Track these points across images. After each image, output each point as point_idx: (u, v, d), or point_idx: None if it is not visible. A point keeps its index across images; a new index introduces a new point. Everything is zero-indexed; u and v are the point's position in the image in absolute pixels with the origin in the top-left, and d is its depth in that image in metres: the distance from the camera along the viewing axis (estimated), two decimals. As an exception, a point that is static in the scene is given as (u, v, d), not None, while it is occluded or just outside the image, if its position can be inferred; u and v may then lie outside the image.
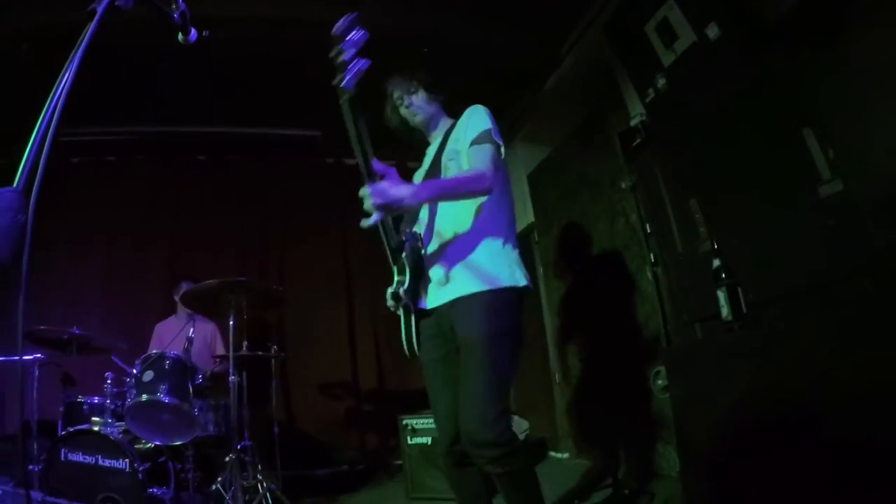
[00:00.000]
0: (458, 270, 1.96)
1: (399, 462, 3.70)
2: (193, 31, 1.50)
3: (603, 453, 3.71)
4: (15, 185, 0.97)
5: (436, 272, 2.01)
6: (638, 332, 3.45)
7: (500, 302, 1.89)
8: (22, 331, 0.92)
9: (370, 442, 4.94)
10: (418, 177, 2.26)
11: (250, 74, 4.08)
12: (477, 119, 2.03)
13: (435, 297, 2.01)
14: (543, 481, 1.92)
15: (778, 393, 1.84)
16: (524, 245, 3.14)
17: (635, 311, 3.48)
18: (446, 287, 1.97)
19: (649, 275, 3.16)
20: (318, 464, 4.58)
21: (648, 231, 3.11)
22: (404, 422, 3.63)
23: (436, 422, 2.13)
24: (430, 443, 3.53)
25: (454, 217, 2.01)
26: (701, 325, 2.84)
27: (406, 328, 2.07)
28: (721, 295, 2.21)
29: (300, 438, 4.64)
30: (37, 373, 3.22)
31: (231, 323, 3.19)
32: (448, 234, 2.02)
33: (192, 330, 3.40)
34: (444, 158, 2.07)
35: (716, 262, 2.28)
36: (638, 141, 3.13)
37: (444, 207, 2.06)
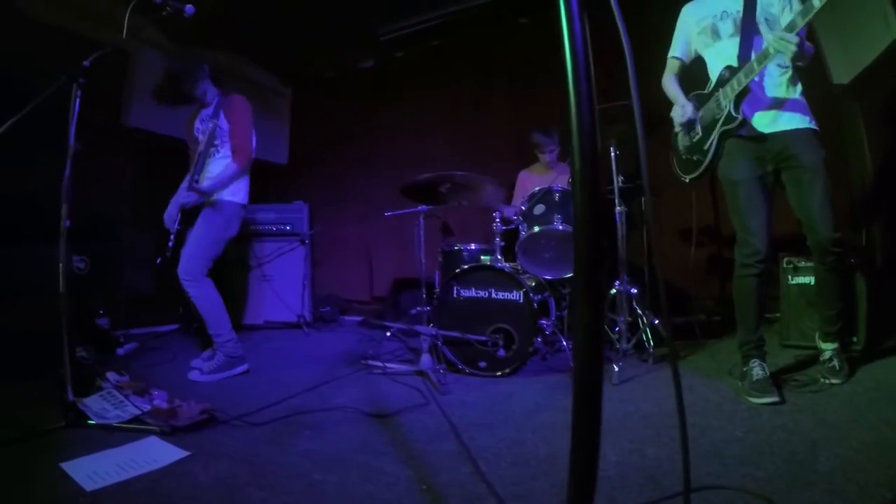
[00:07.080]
0: (791, 105, 2.34)
1: (768, 315, 3.26)
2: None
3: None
4: None
5: (767, 103, 2.35)
6: None
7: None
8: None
9: (730, 290, 4.53)
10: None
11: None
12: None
13: (770, 124, 2.34)
14: None
15: None
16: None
17: None
18: (782, 117, 2.32)
19: None
20: (672, 311, 4.38)
21: None
22: (786, 259, 3.25)
23: (751, 232, 2.39)
24: (812, 282, 3.08)
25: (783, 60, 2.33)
26: None
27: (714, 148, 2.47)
28: None
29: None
30: (422, 223, 3.34)
31: (613, 155, 3.05)
32: (777, 73, 2.36)
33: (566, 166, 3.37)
34: (759, 21, 2.34)
35: None
36: None
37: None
